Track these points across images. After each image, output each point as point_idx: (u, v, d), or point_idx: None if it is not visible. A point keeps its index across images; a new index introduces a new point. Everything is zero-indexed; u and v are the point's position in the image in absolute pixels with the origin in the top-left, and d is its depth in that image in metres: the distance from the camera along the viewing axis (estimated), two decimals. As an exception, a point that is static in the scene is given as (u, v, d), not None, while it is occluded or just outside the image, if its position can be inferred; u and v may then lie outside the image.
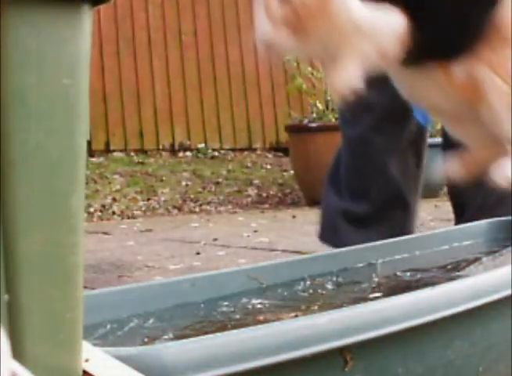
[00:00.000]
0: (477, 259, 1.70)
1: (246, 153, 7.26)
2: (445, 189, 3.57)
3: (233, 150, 7.23)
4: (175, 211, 5.58)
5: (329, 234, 2.52)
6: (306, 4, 1.42)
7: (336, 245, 2.36)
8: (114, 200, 5.65)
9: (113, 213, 5.39)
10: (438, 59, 1.55)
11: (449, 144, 2.37)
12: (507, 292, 1.35)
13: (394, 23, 1.46)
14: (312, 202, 5.13)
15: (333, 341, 1.08)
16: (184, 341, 1.02)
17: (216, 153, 7.10)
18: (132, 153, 6.78)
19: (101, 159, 6.52)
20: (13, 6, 0.75)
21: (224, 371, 0.98)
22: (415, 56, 1.51)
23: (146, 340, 1.24)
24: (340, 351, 1.11)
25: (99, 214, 5.33)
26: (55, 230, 0.81)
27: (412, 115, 2.29)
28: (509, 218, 2.05)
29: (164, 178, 6.27)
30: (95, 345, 0.95)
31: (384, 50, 1.49)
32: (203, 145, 7.13)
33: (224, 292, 1.54)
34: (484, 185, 1.63)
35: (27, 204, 0.79)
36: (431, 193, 5.00)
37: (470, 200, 2.50)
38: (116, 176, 6.18)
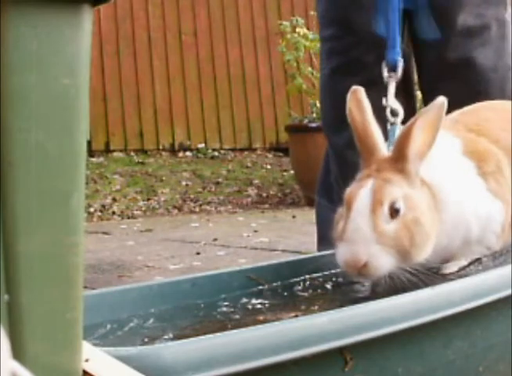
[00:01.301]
0: (477, 259, 1.70)
1: (246, 153, 7.26)
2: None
3: (233, 150, 7.23)
4: (175, 211, 5.58)
5: (326, 246, 2.51)
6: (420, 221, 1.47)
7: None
8: (114, 200, 5.65)
9: (113, 213, 5.39)
10: None
11: None
12: (507, 292, 1.35)
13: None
14: (312, 202, 5.13)
15: (333, 341, 1.08)
16: (184, 341, 1.02)
17: (216, 153, 7.10)
18: (132, 153, 6.79)
19: (101, 159, 6.53)
20: (13, 6, 0.75)
21: (224, 371, 0.98)
22: None
23: (146, 340, 1.24)
24: (340, 351, 1.11)
25: (99, 214, 5.33)
26: (55, 230, 0.81)
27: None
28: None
29: (164, 178, 6.27)
30: (95, 345, 0.95)
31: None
32: (203, 145, 7.13)
33: (224, 292, 1.54)
34: None
35: (27, 204, 0.79)
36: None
37: None
38: (116, 176, 6.18)
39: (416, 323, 1.19)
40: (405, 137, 1.49)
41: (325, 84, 2.51)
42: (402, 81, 2.42)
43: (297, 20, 6.36)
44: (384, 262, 1.43)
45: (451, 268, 1.63)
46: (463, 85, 2.27)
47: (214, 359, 0.98)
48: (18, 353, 0.77)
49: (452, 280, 1.48)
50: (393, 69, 1.95)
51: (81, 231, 0.84)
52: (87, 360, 0.88)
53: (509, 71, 2.36)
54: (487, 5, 2.32)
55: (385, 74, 1.95)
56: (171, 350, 0.98)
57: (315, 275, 1.67)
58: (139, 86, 6.96)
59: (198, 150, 7.07)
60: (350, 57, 2.36)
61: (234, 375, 0.99)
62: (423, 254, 1.48)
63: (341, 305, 1.17)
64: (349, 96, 1.60)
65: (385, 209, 1.44)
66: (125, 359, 0.92)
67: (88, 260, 3.09)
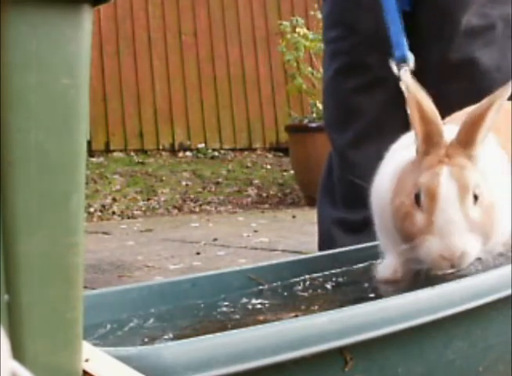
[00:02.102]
0: (477, 259, 1.70)
1: (246, 153, 7.26)
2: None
3: (233, 150, 7.23)
4: (175, 211, 5.58)
5: (327, 245, 2.50)
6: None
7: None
8: (114, 200, 5.65)
9: (113, 213, 5.39)
10: None
11: None
12: (507, 292, 1.35)
13: None
14: (312, 202, 5.12)
15: (333, 341, 1.08)
16: (184, 341, 1.02)
17: (216, 153, 7.10)
18: (132, 153, 6.78)
19: (101, 159, 6.53)
20: (13, 6, 0.75)
21: (224, 371, 0.98)
22: None
23: (146, 340, 1.24)
24: (340, 351, 1.11)
25: (99, 214, 5.33)
26: (55, 230, 0.81)
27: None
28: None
29: (164, 178, 6.27)
30: (95, 345, 0.95)
31: None
32: (203, 145, 7.13)
33: (224, 292, 1.54)
34: None
35: (27, 204, 0.79)
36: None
37: None
38: (116, 176, 6.18)
39: (416, 323, 1.19)
40: (477, 122, 1.47)
41: (328, 84, 2.51)
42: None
43: (297, 20, 6.36)
44: (476, 249, 1.44)
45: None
46: (467, 86, 2.27)
47: (214, 359, 0.98)
48: (18, 353, 0.77)
49: (452, 280, 1.48)
50: (404, 61, 1.93)
51: (81, 231, 0.84)
52: (87, 360, 0.88)
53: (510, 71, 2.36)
54: (493, 4, 2.32)
55: (395, 69, 1.92)
56: (171, 350, 0.98)
57: (315, 275, 1.67)
58: (139, 86, 6.96)
59: (198, 150, 7.07)
60: (354, 58, 2.36)
61: (234, 375, 0.99)
62: (495, 236, 1.49)
63: (341, 305, 1.17)
64: (411, 86, 1.55)
65: (470, 197, 1.43)
66: (125, 359, 0.92)
67: (88, 260, 3.09)
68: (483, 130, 1.47)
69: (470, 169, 1.47)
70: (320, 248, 2.52)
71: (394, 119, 2.20)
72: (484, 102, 1.48)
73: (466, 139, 1.48)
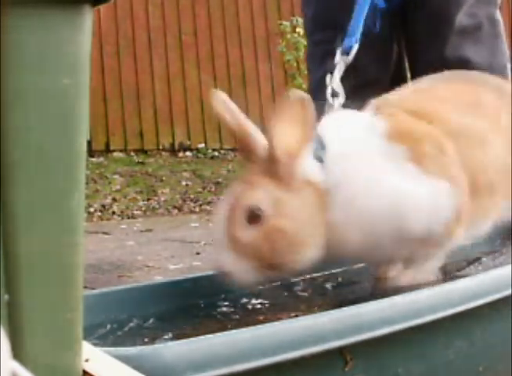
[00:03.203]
0: (477, 259, 1.70)
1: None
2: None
3: (233, 150, 7.23)
4: (175, 211, 5.58)
5: None
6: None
7: None
8: (114, 200, 5.65)
9: (113, 213, 5.39)
10: None
11: None
12: (507, 292, 1.35)
13: None
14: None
15: (333, 341, 1.08)
16: (184, 341, 1.02)
17: (216, 153, 7.10)
18: (132, 153, 6.79)
19: (101, 159, 6.53)
20: (13, 6, 0.75)
21: (224, 371, 0.98)
22: None
23: (146, 340, 1.24)
24: (340, 351, 1.11)
25: (99, 214, 5.33)
26: (55, 230, 0.81)
27: None
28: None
29: (163, 178, 6.27)
30: (95, 345, 0.95)
31: None
32: (203, 145, 7.13)
33: (224, 292, 1.54)
34: None
35: (27, 204, 0.79)
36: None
37: None
38: (116, 176, 6.18)
39: (416, 323, 1.19)
40: (269, 137, 1.36)
41: (317, 86, 2.51)
42: (396, 81, 2.42)
43: (297, 20, 6.37)
44: (244, 271, 1.35)
45: (406, 275, 1.52)
46: None
47: (214, 359, 0.98)
48: (18, 353, 0.77)
49: (451, 280, 1.48)
50: (347, 53, 1.91)
51: (81, 231, 0.84)
52: (87, 360, 0.88)
53: (504, 69, 2.37)
54: (479, 4, 2.33)
55: (337, 57, 1.89)
56: (171, 350, 0.98)
57: (315, 275, 1.67)
58: (139, 86, 6.96)
59: (198, 150, 7.07)
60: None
61: (234, 375, 0.99)
62: (297, 260, 1.36)
63: (341, 305, 1.17)
64: (214, 101, 1.46)
65: (241, 215, 1.34)
66: (125, 359, 0.92)
67: (88, 260, 3.09)
68: (277, 145, 1.34)
69: (262, 187, 1.36)
70: None
71: None
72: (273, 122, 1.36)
73: (268, 156, 1.36)
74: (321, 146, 1.43)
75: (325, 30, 2.43)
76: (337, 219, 1.39)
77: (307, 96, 1.35)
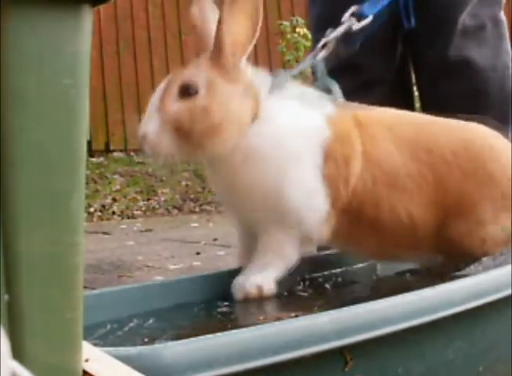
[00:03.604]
0: (477, 259, 1.70)
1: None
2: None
3: (233, 149, 7.23)
4: (175, 211, 5.58)
5: None
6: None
7: None
8: (114, 200, 5.65)
9: (113, 213, 5.39)
10: None
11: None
12: (507, 292, 1.35)
13: None
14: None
15: (333, 341, 1.08)
16: (184, 341, 1.02)
17: (216, 153, 7.09)
18: (132, 153, 6.78)
19: (101, 159, 6.52)
20: (13, 7, 0.75)
21: (224, 371, 0.98)
22: None
23: (146, 340, 1.24)
24: (340, 351, 1.11)
25: (99, 214, 5.33)
26: (55, 230, 0.81)
27: None
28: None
29: (164, 178, 6.27)
30: (95, 345, 0.95)
31: None
32: (203, 145, 7.13)
33: (224, 292, 1.54)
34: None
35: (27, 204, 0.79)
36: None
37: None
38: (116, 176, 6.18)
39: (416, 323, 1.19)
40: (218, 28, 1.45)
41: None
42: (400, 81, 2.41)
43: (297, 20, 6.36)
44: (161, 138, 1.41)
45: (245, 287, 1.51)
46: (463, 85, 2.28)
47: (214, 359, 0.98)
48: (18, 353, 0.77)
49: (451, 279, 1.48)
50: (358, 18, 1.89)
51: (81, 231, 0.84)
52: (87, 360, 0.88)
53: (508, 70, 2.36)
54: (482, 4, 2.33)
55: (346, 16, 1.87)
56: (171, 350, 0.98)
57: (315, 275, 1.67)
58: (139, 86, 6.96)
59: (198, 150, 7.07)
60: (346, 60, 2.35)
61: (234, 375, 0.99)
62: (208, 145, 1.43)
63: (341, 305, 1.17)
64: (194, 3, 1.55)
65: (174, 87, 1.43)
66: (125, 359, 0.92)
67: (88, 260, 3.09)
68: (225, 37, 1.43)
69: (200, 68, 1.46)
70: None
71: None
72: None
73: (215, 47, 1.46)
74: (274, 85, 1.54)
75: (330, 28, 2.43)
76: (257, 131, 1.46)
77: None
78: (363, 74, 2.34)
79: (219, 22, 1.44)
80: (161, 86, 1.46)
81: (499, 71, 2.34)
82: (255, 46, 1.51)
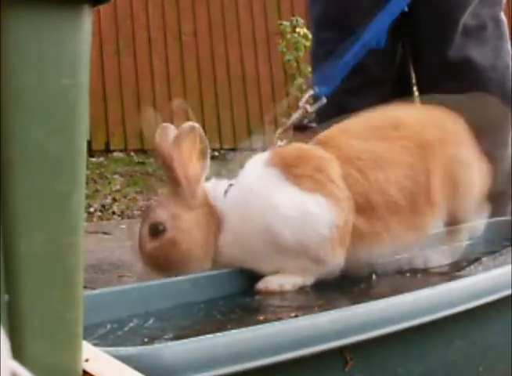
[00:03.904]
0: (477, 259, 1.70)
1: (246, 152, 7.25)
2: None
3: (233, 149, 7.22)
4: (175, 211, 5.57)
5: None
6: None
7: None
8: (114, 200, 5.65)
9: (113, 213, 5.38)
10: None
11: None
12: (507, 292, 1.35)
13: None
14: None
15: (333, 341, 1.08)
16: (184, 341, 1.02)
17: (216, 153, 7.10)
18: (132, 153, 6.78)
19: (101, 159, 6.52)
20: (13, 6, 0.75)
21: (224, 371, 0.98)
22: None
23: (146, 340, 1.24)
24: (340, 351, 1.11)
25: (99, 214, 5.33)
26: (55, 230, 0.81)
27: None
28: (509, 218, 2.05)
29: (164, 178, 6.26)
30: (95, 345, 0.95)
31: None
32: (203, 145, 7.12)
33: (224, 292, 1.54)
34: None
35: (27, 204, 0.79)
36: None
37: None
38: (116, 176, 6.17)
39: (416, 323, 1.19)
40: (170, 168, 1.61)
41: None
42: (400, 81, 2.41)
43: (297, 20, 6.36)
44: (150, 276, 1.57)
45: (267, 282, 1.58)
46: (464, 85, 2.27)
47: (214, 359, 0.98)
48: (18, 353, 0.77)
49: (452, 279, 1.48)
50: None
51: (81, 231, 0.84)
52: (87, 360, 0.88)
53: (508, 70, 2.36)
54: (483, 4, 2.33)
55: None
56: (171, 350, 0.98)
57: (315, 275, 1.67)
58: (139, 86, 6.96)
59: (198, 149, 7.06)
60: None
61: (234, 375, 0.99)
62: (192, 267, 1.57)
63: (341, 305, 1.17)
64: (158, 132, 1.71)
65: (145, 230, 1.60)
66: (125, 359, 0.92)
67: (88, 260, 3.09)
68: (177, 171, 1.60)
69: (165, 205, 1.61)
70: None
71: None
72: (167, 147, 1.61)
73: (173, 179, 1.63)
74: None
75: (331, 29, 2.43)
76: (225, 239, 1.59)
77: (197, 126, 1.66)
78: (364, 75, 2.33)
79: (169, 160, 1.59)
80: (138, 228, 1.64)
81: (500, 71, 2.34)
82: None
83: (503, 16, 2.39)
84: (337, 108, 2.42)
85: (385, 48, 2.16)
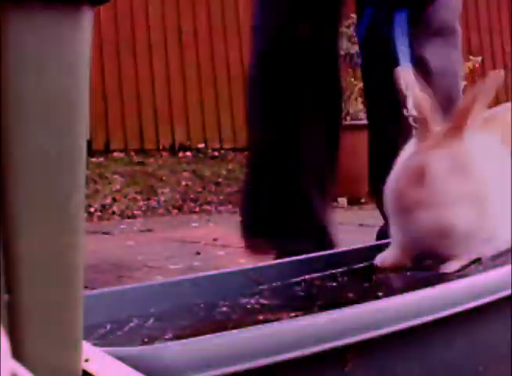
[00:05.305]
0: (477, 259, 1.70)
1: (246, 153, 7.25)
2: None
3: (233, 149, 7.22)
4: (175, 211, 5.58)
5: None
6: None
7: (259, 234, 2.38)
8: (114, 200, 5.65)
9: (113, 213, 5.38)
10: None
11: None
12: (507, 292, 1.35)
13: None
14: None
15: (333, 341, 1.08)
16: (184, 341, 1.02)
17: (216, 153, 7.09)
18: (132, 153, 6.78)
19: (101, 159, 6.52)
20: (13, 6, 0.75)
21: (224, 371, 0.98)
22: None
23: (146, 340, 1.24)
24: (340, 351, 1.11)
25: (99, 214, 5.33)
26: (55, 230, 0.81)
27: None
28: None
29: (163, 178, 6.27)
30: (95, 345, 0.95)
31: None
32: (203, 145, 7.13)
33: (224, 292, 1.54)
34: None
35: (27, 204, 0.79)
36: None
37: None
38: (116, 176, 6.17)
39: (416, 323, 1.19)
40: (467, 109, 1.52)
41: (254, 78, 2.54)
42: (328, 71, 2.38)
43: (297, 20, 6.35)
44: (467, 222, 1.48)
45: (452, 266, 1.61)
46: None
47: (214, 359, 0.98)
48: (18, 353, 0.77)
49: (452, 279, 1.48)
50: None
51: (81, 231, 0.84)
52: (87, 360, 0.88)
53: (456, 78, 2.39)
54: (439, 11, 2.34)
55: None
56: (171, 350, 0.98)
57: (315, 275, 1.67)
58: (139, 86, 6.96)
59: (198, 149, 7.07)
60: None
61: (234, 375, 0.99)
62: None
63: (341, 305, 1.17)
64: (401, 78, 1.69)
65: (461, 171, 1.49)
66: (125, 359, 0.92)
67: (88, 260, 3.09)
68: (470, 119, 1.51)
69: (461, 148, 1.51)
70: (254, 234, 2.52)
71: None
72: (470, 93, 1.55)
73: (458, 125, 1.53)
74: None
75: (272, 42, 2.41)
76: None
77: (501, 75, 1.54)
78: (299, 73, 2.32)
79: (467, 106, 1.52)
80: (433, 171, 1.49)
81: (449, 77, 2.37)
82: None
83: (458, 26, 2.41)
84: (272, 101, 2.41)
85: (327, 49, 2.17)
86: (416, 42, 2.31)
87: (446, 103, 2.31)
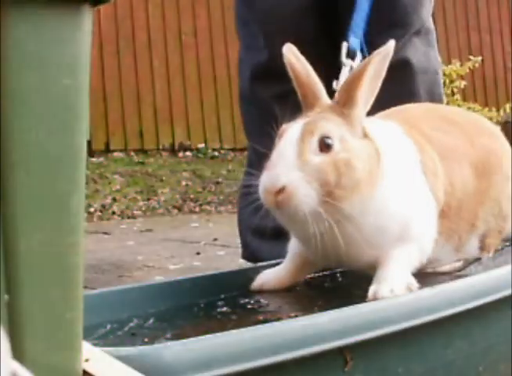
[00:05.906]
0: (477, 259, 1.70)
1: (246, 152, 7.26)
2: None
3: (233, 150, 7.23)
4: (175, 211, 5.58)
5: (244, 251, 2.50)
6: None
7: (251, 260, 2.36)
8: (114, 200, 5.65)
9: (113, 213, 5.39)
10: None
11: None
12: (507, 292, 1.35)
13: None
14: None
15: (333, 341, 1.08)
16: (184, 341, 1.02)
17: (216, 153, 7.10)
18: (132, 153, 6.79)
19: (101, 159, 6.53)
20: (13, 6, 0.75)
21: (224, 371, 0.98)
22: None
23: (146, 340, 1.24)
24: (340, 351, 1.11)
25: (99, 214, 5.33)
26: (55, 230, 0.81)
27: None
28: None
29: (164, 178, 6.27)
30: (95, 345, 0.95)
31: None
32: (203, 145, 7.13)
33: (224, 292, 1.54)
34: None
35: (27, 204, 0.79)
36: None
37: None
38: (116, 176, 6.18)
39: (416, 323, 1.19)
40: (355, 82, 1.43)
41: (245, 91, 2.56)
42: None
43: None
44: (303, 191, 1.34)
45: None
46: (399, 86, 2.27)
47: (214, 359, 0.98)
48: (18, 353, 0.77)
49: (452, 279, 1.48)
50: (351, 57, 1.89)
51: (81, 231, 0.84)
52: (87, 360, 0.88)
53: (437, 75, 2.41)
54: (416, 11, 2.36)
55: (343, 57, 1.87)
56: (171, 350, 0.98)
57: (315, 275, 1.67)
58: (139, 86, 6.97)
59: (198, 149, 7.07)
60: (272, 67, 2.31)
61: (234, 375, 0.99)
62: (349, 201, 1.38)
63: (341, 305, 1.17)
64: (285, 50, 1.53)
65: (314, 140, 1.38)
66: (125, 359, 0.92)
67: (88, 260, 3.09)
68: (362, 90, 1.42)
69: (334, 122, 1.42)
70: (243, 256, 2.52)
71: None
72: (362, 63, 1.47)
73: (346, 98, 1.44)
74: None
75: (257, 36, 2.41)
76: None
77: (391, 49, 1.47)
78: (287, 82, 2.31)
79: (357, 78, 1.43)
80: (290, 137, 1.40)
81: (430, 75, 2.38)
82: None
83: (432, 25, 2.44)
84: (263, 115, 2.42)
85: (311, 50, 2.15)
86: (397, 44, 2.32)
87: (430, 98, 2.33)
